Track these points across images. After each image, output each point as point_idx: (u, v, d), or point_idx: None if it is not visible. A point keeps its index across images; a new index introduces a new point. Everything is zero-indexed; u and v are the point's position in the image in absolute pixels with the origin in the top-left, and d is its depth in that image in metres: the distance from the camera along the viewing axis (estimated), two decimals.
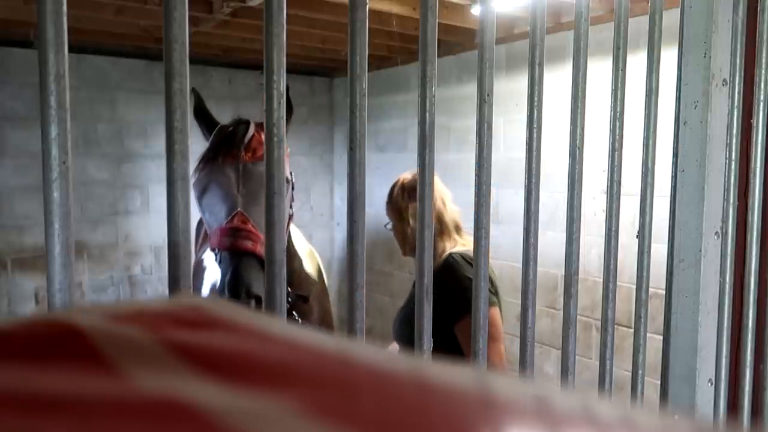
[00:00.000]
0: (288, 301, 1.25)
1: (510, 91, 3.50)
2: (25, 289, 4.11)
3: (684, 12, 1.22)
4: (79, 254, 4.12)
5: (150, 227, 4.52)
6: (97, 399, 0.23)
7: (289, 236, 1.96)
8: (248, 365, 0.27)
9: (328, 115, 5.50)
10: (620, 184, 1.20)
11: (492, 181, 0.99)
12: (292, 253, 1.98)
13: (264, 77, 0.77)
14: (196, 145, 1.78)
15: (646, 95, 1.22)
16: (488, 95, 0.95)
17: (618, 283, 1.23)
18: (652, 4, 1.20)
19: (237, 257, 1.58)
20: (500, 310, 1.91)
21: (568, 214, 1.12)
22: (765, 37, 1.26)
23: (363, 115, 0.84)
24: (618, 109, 1.16)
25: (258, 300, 1.52)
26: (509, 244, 3.52)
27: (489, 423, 0.24)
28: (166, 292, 0.71)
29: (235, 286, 1.52)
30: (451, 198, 2.09)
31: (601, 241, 1.25)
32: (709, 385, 1.28)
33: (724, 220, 1.26)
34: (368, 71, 0.84)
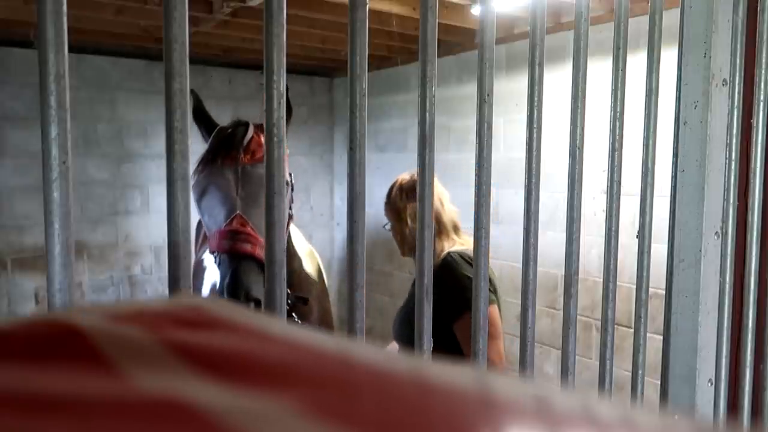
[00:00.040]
0: (288, 303, 1.25)
1: (510, 91, 3.50)
2: (25, 289, 4.11)
3: (684, 12, 1.22)
4: (79, 254, 4.12)
5: (150, 227, 4.52)
6: (97, 399, 0.23)
7: (289, 237, 1.96)
8: (248, 365, 0.27)
9: (328, 115, 5.50)
10: (620, 184, 1.20)
11: (492, 181, 0.99)
12: (291, 254, 1.98)
13: (264, 77, 0.77)
14: (196, 145, 1.78)
15: (646, 95, 1.22)
16: (488, 95, 0.95)
17: (618, 283, 1.23)
18: (652, 4, 1.20)
19: (236, 260, 1.57)
20: (499, 309, 1.92)
21: (568, 214, 1.12)
22: (765, 37, 1.26)
23: (363, 115, 0.84)
24: (618, 109, 1.16)
25: (257, 303, 1.51)
26: (509, 244, 3.52)
27: (489, 423, 0.24)
28: (166, 292, 0.71)
29: (234, 290, 1.52)
30: (449, 198, 2.10)
31: (601, 241, 1.25)
32: (709, 385, 1.28)
33: (724, 220, 1.26)
34: (368, 71, 0.84)
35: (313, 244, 2.51)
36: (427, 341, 0.94)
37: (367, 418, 0.23)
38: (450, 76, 4.30)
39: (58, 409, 0.22)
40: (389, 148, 4.93)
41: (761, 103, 1.29)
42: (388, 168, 4.18)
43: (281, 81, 0.77)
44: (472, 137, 1.47)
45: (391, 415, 0.23)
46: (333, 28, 3.58)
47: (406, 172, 2.12)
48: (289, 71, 0.79)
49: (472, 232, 1.01)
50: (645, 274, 1.25)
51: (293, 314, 1.87)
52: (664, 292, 1.28)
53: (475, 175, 0.98)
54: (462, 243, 2.01)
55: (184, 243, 0.70)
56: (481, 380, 0.27)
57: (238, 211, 1.66)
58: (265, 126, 0.78)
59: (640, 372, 1.26)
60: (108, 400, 0.23)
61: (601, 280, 1.21)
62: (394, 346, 2.09)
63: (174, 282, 0.70)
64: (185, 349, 0.27)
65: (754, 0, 1.27)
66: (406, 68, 4.62)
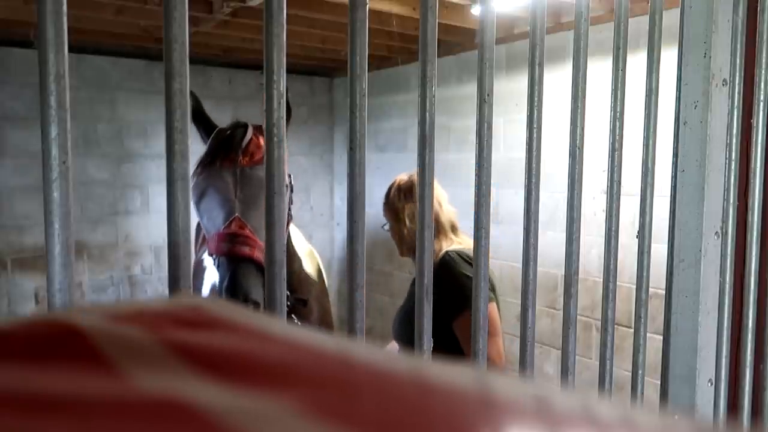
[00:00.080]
0: (287, 305, 1.24)
1: (510, 91, 3.50)
2: (25, 289, 4.11)
3: (684, 12, 1.22)
4: (79, 254, 4.12)
5: (150, 227, 4.52)
6: (97, 399, 0.23)
7: (288, 237, 1.96)
8: (248, 365, 0.27)
9: (328, 115, 5.50)
10: (620, 184, 1.20)
11: (492, 181, 0.99)
12: (291, 254, 1.98)
13: (264, 77, 0.77)
14: (196, 145, 1.78)
15: (646, 95, 1.22)
16: (488, 95, 0.95)
17: (618, 283, 1.23)
18: (652, 4, 1.19)
19: (234, 263, 1.57)
20: (498, 307, 1.94)
21: (568, 214, 1.12)
22: (765, 37, 1.26)
23: (363, 115, 0.84)
24: (618, 109, 1.16)
25: (256, 305, 1.51)
26: (509, 244, 3.52)
27: (489, 423, 0.24)
28: (166, 292, 0.71)
29: (232, 292, 1.52)
30: (448, 199, 2.13)
31: (601, 241, 1.25)
32: (709, 385, 1.28)
33: (724, 220, 1.26)
34: (368, 71, 0.84)
35: (313, 244, 2.51)
36: (427, 341, 0.94)
37: (367, 418, 0.23)
38: (450, 76, 4.30)
39: (58, 409, 0.22)
40: (389, 148, 4.93)
41: (761, 103, 1.29)
42: (388, 168, 4.18)
43: (281, 81, 0.77)
44: (472, 137, 1.47)
45: (391, 415, 0.23)
46: (333, 28, 3.58)
47: (405, 173, 2.15)
48: (289, 71, 0.79)
49: (470, 231, 1.01)
50: (645, 274, 1.25)
51: (293, 315, 1.87)
52: (664, 292, 1.28)
53: (475, 175, 0.98)
54: (460, 242, 2.03)
55: (184, 243, 0.70)
56: (481, 380, 0.27)
57: (236, 214, 1.65)
58: (264, 126, 0.78)
59: (640, 372, 1.26)
60: (108, 400, 0.23)
61: (601, 280, 1.21)
62: (394, 346, 2.09)
63: (174, 282, 0.70)
64: (185, 349, 0.27)
65: (754, 0, 1.27)
66: (406, 68, 4.62)
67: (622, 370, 2.94)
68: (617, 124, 1.17)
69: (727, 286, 1.28)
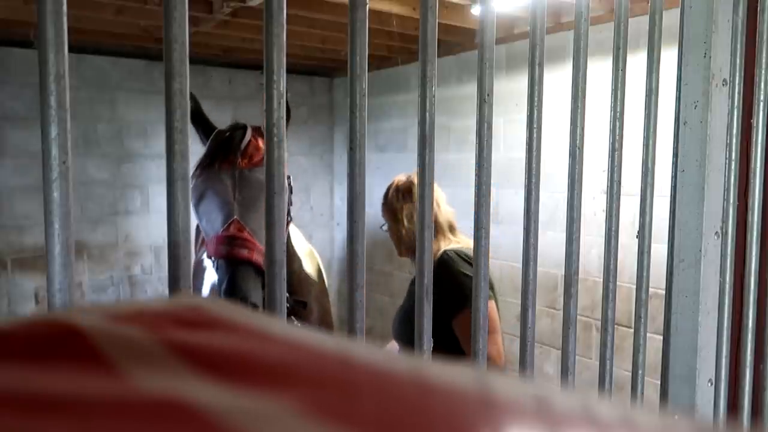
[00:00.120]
0: (287, 306, 1.24)
1: (510, 91, 3.50)
2: (25, 289, 4.11)
3: (684, 12, 1.22)
4: (79, 254, 4.12)
5: (150, 227, 4.52)
6: (97, 399, 0.23)
7: (288, 237, 1.96)
8: (248, 365, 0.27)
9: (328, 115, 5.50)
10: (620, 184, 1.20)
11: (492, 181, 0.99)
12: (291, 254, 1.98)
13: (264, 77, 0.77)
14: (196, 145, 1.78)
15: (646, 95, 1.22)
16: (488, 95, 0.95)
17: (618, 283, 1.23)
18: (652, 4, 1.19)
19: (233, 265, 1.57)
20: (497, 305, 1.95)
21: (568, 214, 1.12)
22: (765, 37, 1.26)
23: (363, 115, 0.84)
24: (618, 109, 1.16)
25: (255, 308, 1.51)
26: (509, 244, 3.52)
27: (489, 423, 0.24)
28: (166, 292, 0.71)
29: (231, 295, 1.52)
30: (446, 199, 2.14)
31: (601, 241, 1.25)
32: (709, 385, 1.27)
33: (724, 220, 1.26)
34: (368, 71, 0.84)
35: (313, 244, 2.51)
36: (427, 341, 0.94)
37: (367, 418, 0.23)
38: (450, 76, 4.30)
39: (58, 409, 0.22)
40: (389, 148, 4.93)
41: (761, 103, 1.29)
42: (388, 168, 4.18)
43: (281, 81, 0.77)
44: (472, 137, 1.47)
45: (391, 415, 0.23)
46: (333, 28, 3.58)
47: (403, 174, 2.16)
48: (289, 71, 0.79)
49: (470, 231, 1.01)
50: (645, 274, 1.25)
51: (292, 317, 1.87)
52: (664, 292, 1.28)
53: (475, 175, 0.98)
54: (458, 241, 2.04)
55: (184, 243, 0.70)
56: (481, 380, 0.27)
57: (235, 216, 1.65)
58: (264, 126, 0.78)
59: (640, 372, 1.26)
60: (108, 400, 0.23)
61: (601, 280, 1.21)
62: (394, 345, 2.10)
63: (174, 282, 0.70)
64: (185, 349, 0.27)
65: (754, 0, 1.27)
66: (406, 68, 4.62)
67: (622, 370, 2.94)
68: (617, 124, 1.17)
69: (727, 286, 1.28)
